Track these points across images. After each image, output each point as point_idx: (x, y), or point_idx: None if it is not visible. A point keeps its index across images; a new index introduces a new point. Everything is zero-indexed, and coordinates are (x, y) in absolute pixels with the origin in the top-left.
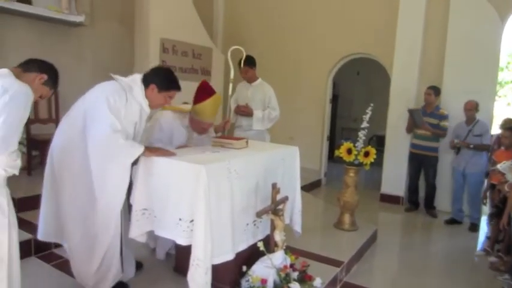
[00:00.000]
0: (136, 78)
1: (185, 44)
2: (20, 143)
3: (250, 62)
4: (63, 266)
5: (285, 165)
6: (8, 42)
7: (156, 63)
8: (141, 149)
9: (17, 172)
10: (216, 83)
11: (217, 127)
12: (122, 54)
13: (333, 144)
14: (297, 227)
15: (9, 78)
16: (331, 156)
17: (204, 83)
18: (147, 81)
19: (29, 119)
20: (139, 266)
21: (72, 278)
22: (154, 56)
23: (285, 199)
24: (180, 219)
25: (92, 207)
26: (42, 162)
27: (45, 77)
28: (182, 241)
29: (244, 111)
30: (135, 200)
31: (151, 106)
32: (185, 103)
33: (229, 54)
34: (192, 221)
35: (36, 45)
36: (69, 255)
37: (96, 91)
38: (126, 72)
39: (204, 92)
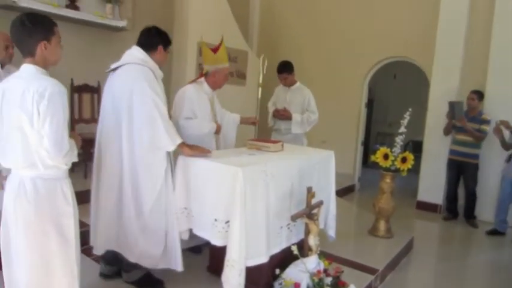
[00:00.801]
0: (139, 51)
1: None
2: None
3: (288, 68)
4: None
5: (320, 170)
6: None
7: (193, 67)
8: (179, 140)
9: (76, 159)
10: (251, 85)
11: (243, 119)
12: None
13: (367, 149)
14: (331, 232)
15: (42, 80)
16: (365, 161)
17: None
18: (152, 45)
19: (73, 119)
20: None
21: None
22: (191, 59)
23: (319, 203)
24: (215, 220)
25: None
26: (85, 160)
27: (45, 41)
28: (217, 242)
29: (283, 115)
30: (175, 199)
31: (160, 66)
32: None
33: (260, 60)
34: (227, 222)
35: (82, 49)
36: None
37: (128, 81)
38: (165, 74)
39: (216, 47)
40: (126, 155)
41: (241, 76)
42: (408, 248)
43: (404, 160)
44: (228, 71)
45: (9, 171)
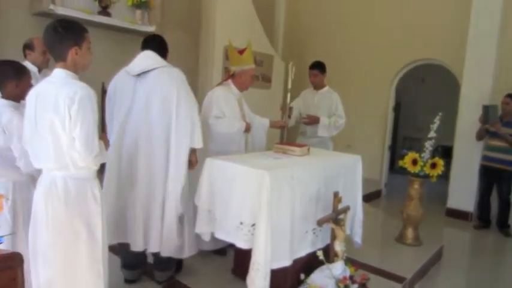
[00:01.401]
0: (158, 56)
1: None
2: None
3: (320, 66)
4: None
5: (347, 174)
6: None
7: (220, 71)
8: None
9: (105, 160)
10: (276, 89)
11: (272, 123)
12: (187, 61)
13: (393, 154)
14: (358, 238)
15: (72, 84)
16: (392, 166)
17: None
18: (166, 51)
19: (103, 121)
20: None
21: None
22: (218, 63)
23: (346, 209)
24: (241, 223)
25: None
26: None
27: (76, 46)
28: (242, 244)
29: (311, 121)
30: (200, 200)
31: None
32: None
33: (290, 67)
34: (253, 225)
35: (112, 54)
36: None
37: (173, 83)
38: (191, 78)
39: (237, 50)
40: (171, 153)
41: (266, 80)
42: (437, 257)
43: (433, 166)
44: (254, 74)
45: (40, 171)
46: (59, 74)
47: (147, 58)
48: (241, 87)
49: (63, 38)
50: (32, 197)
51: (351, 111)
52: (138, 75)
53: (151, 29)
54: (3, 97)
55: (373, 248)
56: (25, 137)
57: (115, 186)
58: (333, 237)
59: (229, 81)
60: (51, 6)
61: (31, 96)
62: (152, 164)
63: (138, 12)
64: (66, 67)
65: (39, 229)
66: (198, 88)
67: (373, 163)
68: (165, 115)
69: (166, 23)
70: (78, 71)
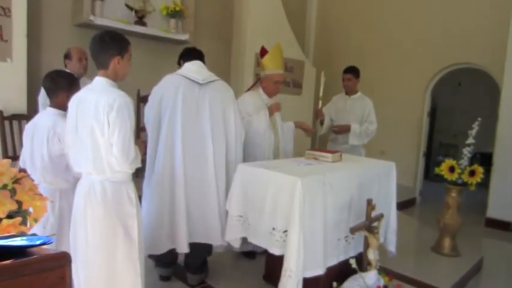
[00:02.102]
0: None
1: None
2: None
3: (355, 71)
4: None
5: (381, 181)
6: None
7: (251, 77)
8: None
9: (140, 164)
10: (307, 95)
11: (297, 123)
12: (219, 68)
13: (429, 161)
14: (391, 247)
15: (111, 92)
16: (427, 174)
17: (263, 48)
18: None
19: (139, 127)
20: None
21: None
22: (249, 69)
23: (380, 216)
24: (273, 229)
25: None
26: None
27: (119, 56)
28: (275, 251)
29: (341, 130)
30: (231, 206)
31: None
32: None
33: (322, 76)
34: (285, 231)
35: (147, 61)
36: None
37: (229, 97)
38: None
39: (264, 50)
40: (216, 154)
41: (297, 85)
42: (477, 269)
43: (472, 173)
44: (278, 80)
45: (79, 175)
46: (99, 82)
47: (204, 69)
48: (267, 92)
49: (108, 47)
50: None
51: (384, 117)
52: (202, 84)
53: (185, 37)
54: (52, 106)
55: (408, 257)
56: (67, 142)
57: (169, 188)
58: (366, 245)
59: (259, 86)
60: (91, 17)
61: (73, 103)
62: (219, 160)
63: (172, 21)
64: (106, 75)
65: (78, 230)
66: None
67: (407, 170)
68: (224, 121)
69: (199, 31)
70: (117, 80)
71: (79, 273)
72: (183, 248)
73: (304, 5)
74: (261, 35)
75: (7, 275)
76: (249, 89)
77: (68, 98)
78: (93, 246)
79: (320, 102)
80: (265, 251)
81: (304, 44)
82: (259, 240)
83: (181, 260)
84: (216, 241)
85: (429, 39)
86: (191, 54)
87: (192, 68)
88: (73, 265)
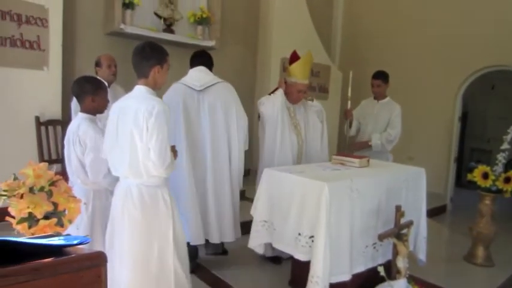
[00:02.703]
0: (210, 71)
1: None
2: None
3: (384, 76)
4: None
5: (410, 187)
6: None
7: (276, 82)
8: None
9: (174, 169)
10: (333, 99)
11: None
12: (245, 73)
13: (460, 167)
14: (421, 255)
15: (150, 99)
16: (459, 180)
17: (294, 52)
18: (212, 65)
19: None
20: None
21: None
22: (275, 75)
23: (409, 223)
24: (299, 234)
25: None
26: None
27: (159, 66)
28: (301, 256)
29: (360, 147)
30: (256, 211)
31: None
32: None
33: (350, 75)
34: (311, 237)
35: (175, 68)
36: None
37: (233, 96)
38: (248, 90)
39: (295, 56)
40: (232, 157)
41: (323, 90)
42: None
43: (507, 180)
44: (302, 89)
45: (117, 179)
46: (139, 90)
47: (205, 74)
48: (289, 99)
49: (149, 57)
50: (109, 205)
51: (413, 121)
52: (200, 90)
53: (211, 43)
54: (81, 111)
55: (439, 266)
56: (105, 147)
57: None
58: (395, 253)
59: (281, 90)
60: (122, 26)
61: (114, 110)
62: (219, 162)
63: (199, 28)
64: (146, 83)
65: (116, 232)
66: (254, 98)
67: (437, 176)
68: (226, 124)
69: (225, 37)
70: (156, 88)
71: (115, 273)
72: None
73: (330, 8)
74: (287, 40)
75: (47, 272)
76: (271, 92)
77: (94, 101)
78: (130, 249)
79: (349, 102)
80: (291, 257)
81: (330, 49)
82: (285, 246)
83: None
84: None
85: (461, 40)
86: (195, 60)
87: (193, 74)
88: (109, 268)
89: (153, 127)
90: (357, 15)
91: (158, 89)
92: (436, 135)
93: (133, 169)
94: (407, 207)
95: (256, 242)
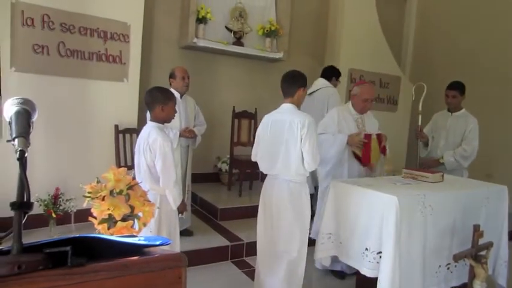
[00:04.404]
0: None
1: (373, 73)
2: (223, 162)
3: (460, 86)
4: (252, 274)
5: (489, 206)
6: (222, 77)
7: (344, 93)
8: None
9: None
10: (402, 112)
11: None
12: (311, 85)
13: None
14: (501, 280)
15: (300, 114)
16: None
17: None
18: None
19: (232, 142)
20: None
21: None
22: (342, 85)
23: (488, 245)
24: (366, 249)
25: None
26: (239, 179)
27: (302, 87)
28: (367, 272)
29: (432, 165)
30: (322, 224)
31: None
32: None
33: (413, 90)
34: (379, 252)
35: (243, 79)
36: None
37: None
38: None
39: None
40: None
41: (392, 102)
42: None
43: None
44: (368, 97)
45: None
46: (287, 107)
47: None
48: (356, 109)
49: (296, 81)
50: (172, 210)
51: (490, 136)
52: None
53: (279, 55)
54: (151, 119)
55: None
56: (255, 152)
57: None
58: (472, 276)
59: (350, 101)
60: (195, 40)
61: (267, 121)
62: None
63: (268, 40)
64: (292, 102)
65: (268, 215)
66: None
67: None
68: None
69: (293, 49)
70: (297, 105)
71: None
72: None
73: (401, 18)
74: (355, 50)
75: (135, 269)
76: None
77: (163, 111)
78: (281, 226)
79: (420, 116)
80: (356, 272)
81: (400, 59)
82: (351, 260)
83: None
84: None
85: None
86: None
87: None
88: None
89: (306, 135)
90: (430, 23)
91: (298, 107)
92: None
93: (285, 169)
94: (486, 227)
95: (322, 254)
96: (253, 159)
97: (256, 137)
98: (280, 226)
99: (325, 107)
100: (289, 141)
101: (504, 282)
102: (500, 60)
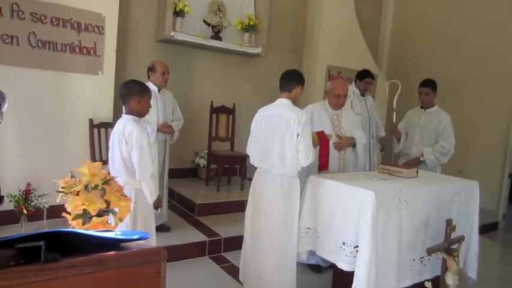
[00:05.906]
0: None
1: (350, 70)
2: (201, 157)
3: (433, 84)
4: (230, 269)
5: (461, 201)
6: (200, 72)
7: (321, 90)
8: None
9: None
10: (379, 108)
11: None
12: None
13: None
14: (472, 273)
15: (296, 110)
16: None
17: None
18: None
19: (211, 137)
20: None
21: (233, 280)
22: (320, 81)
23: (460, 238)
24: (343, 243)
25: None
26: (217, 174)
27: (300, 85)
28: (344, 266)
29: (414, 163)
30: (300, 218)
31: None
32: None
33: (386, 87)
34: (356, 247)
35: (221, 74)
36: None
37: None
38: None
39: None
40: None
41: None
42: None
43: None
44: (339, 93)
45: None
46: (283, 102)
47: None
48: (331, 105)
49: (295, 78)
50: (147, 205)
51: (462, 133)
52: None
53: (258, 50)
54: (126, 112)
55: (490, 286)
56: (250, 145)
57: None
58: (444, 268)
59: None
60: (172, 33)
61: (262, 115)
62: None
63: (246, 35)
64: (289, 97)
65: (257, 209)
66: (299, 106)
67: (489, 191)
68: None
69: (271, 44)
70: (294, 101)
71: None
72: None
73: (378, 16)
74: (333, 47)
75: (111, 264)
76: None
77: (139, 103)
78: (269, 220)
79: (394, 114)
80: (332, 265)
81: (377, 56)
82: (328, 255)
83: None
84: None
85: None
86: None
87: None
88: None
89: (302, 132)
90: (406, 23)
91: (294, 103)
92: (489, 147)
93: (280, 163)
94: (458, 221)
95: (300, 249)
96: (247, 152)
97: (251, 131)
98: (270, 217)
99: None
100: (285, 136)
101: (474, 275)
102: (470, 59)
